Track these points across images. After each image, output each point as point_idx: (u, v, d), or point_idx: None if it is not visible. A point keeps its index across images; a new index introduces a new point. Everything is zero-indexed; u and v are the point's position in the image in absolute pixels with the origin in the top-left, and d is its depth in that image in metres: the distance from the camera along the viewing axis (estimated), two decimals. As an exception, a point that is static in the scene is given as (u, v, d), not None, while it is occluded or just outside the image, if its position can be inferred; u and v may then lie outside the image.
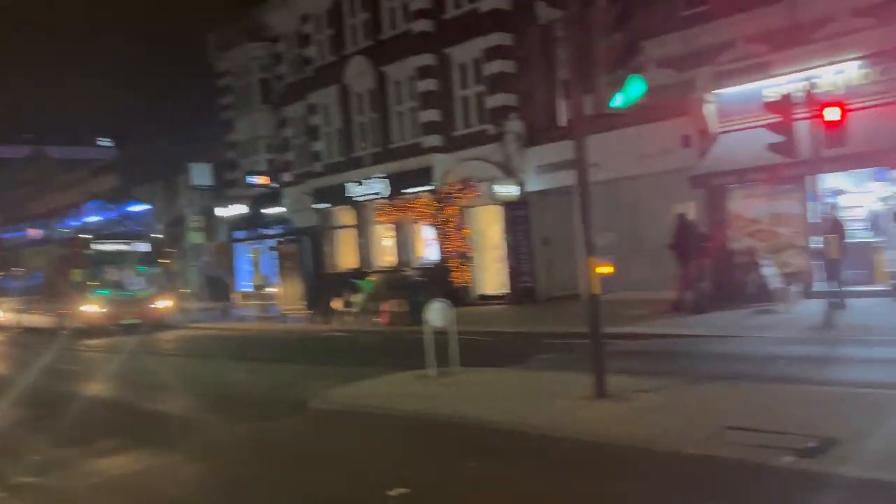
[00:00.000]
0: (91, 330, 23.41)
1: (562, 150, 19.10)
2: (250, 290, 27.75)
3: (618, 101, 7.29)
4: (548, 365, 10.74)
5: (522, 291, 20.82)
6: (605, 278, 8.90)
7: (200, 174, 32.44)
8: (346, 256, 26.91)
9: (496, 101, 20.98)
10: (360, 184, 24.61)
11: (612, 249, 18.27)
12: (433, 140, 22.57)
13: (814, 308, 13.16)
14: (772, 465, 5.25)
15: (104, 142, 62.66)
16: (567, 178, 19.18)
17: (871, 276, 14.78)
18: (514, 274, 21.09)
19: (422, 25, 22.43)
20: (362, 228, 25.71)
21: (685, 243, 15.01)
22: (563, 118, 7.74)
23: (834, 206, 14.40)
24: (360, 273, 23.16)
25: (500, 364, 10.70)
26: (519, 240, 20.89)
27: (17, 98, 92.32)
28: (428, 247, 23.71)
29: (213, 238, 32.04)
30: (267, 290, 26.22)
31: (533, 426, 6.99)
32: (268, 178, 29.37)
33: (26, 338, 26.11)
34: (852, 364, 9.42)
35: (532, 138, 20.32)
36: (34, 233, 29.63)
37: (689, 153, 16.97)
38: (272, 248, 27.81)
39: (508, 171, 20.90)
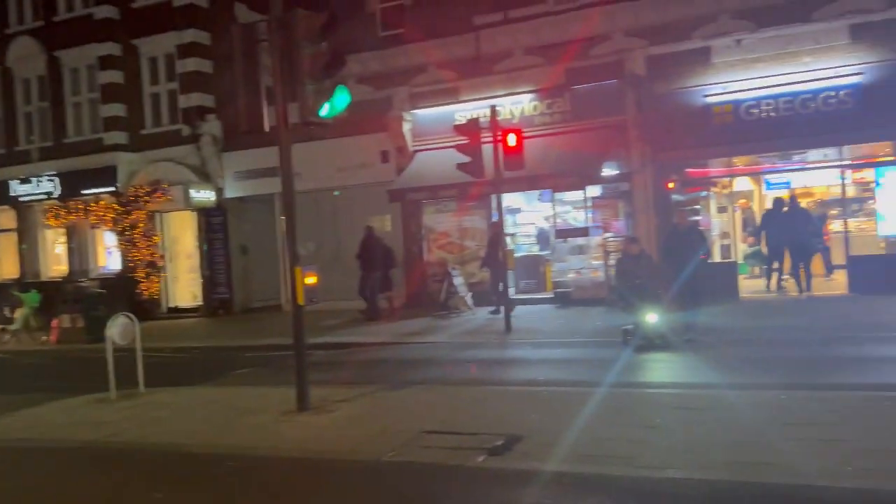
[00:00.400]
0: None
1: (262, 156, 18.64)
2: None
3: (324, 110, 7.22)
4: (245, 380, 10.28)
5: (218, 303, 19.84)
6: (309, 289, 8.78)
7: None
8: (5, 265, 23.26)
9: (191, 100, 19.80)
10: (27, 181, 21.48)
11: (313, 259, 18.33)
12: (117, 137, 20.53)
13: (491, 314, 14.48)
14: (466, 466, 5.52)
15: None
16: (267, 185, 18.99)
17: (542, 285, 16.69)
18: (209, 285, 20.01)
19: (105, 11, 20.31)
20: (26, 233, 22.43)
21: (370, 255, 15.64)
22: (265, 123, 7.42)
23: (496, 223, 15.82)
24: (22, 284, 20.17)
25: (192, 382, 9.99)
26: (215, 248, 19.88)
27: None
28: (109, 255, 21.48)
29: None
30: None
31: (230, 447, 6.57)
32: None
33: None
34: (528, 365, 10.47)
35: (231, 142, 19.50)
36: None
37: (387, 168, 17.62)
38: None
39: (204, 176, 19.82)
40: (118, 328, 8.94)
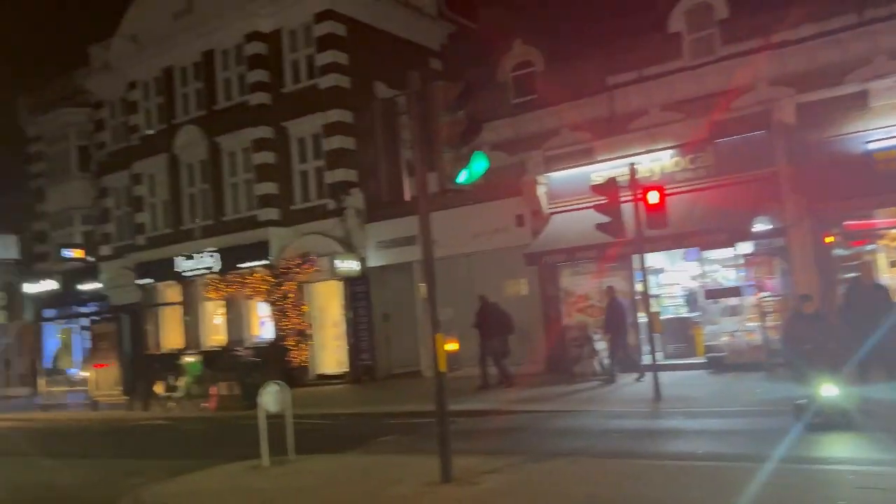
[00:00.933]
0: None
1: (402, 225, 19.31)
2: (57, 374, 24.99)
3: (462, 177, 7.26)
4: (389, 448, 10.27)
5: (362, 369, 20.27)
6: (450, 355, 8.71)
7: (5, 246, 29.28)
8: (171, 336, 25.05)
9: (336, 176, 20.84)
10: (190, 258, 23.24)
11: (451, 325, 18.39)
12: (269, 213, 21.87)
13: (642, 382, 13.75)
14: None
15: None
16: (407, 253, 19.45)
17: (692, 349, 15.77)
18: (354, 351, 20.53)
19: (259, 98, 22.00)
20: (190, 305, 24.13)
21: (486, 322, 15.63)
22: (405, 193, 7.58)
23: (611, 288, 15.19)
24: (186, 354, 21.56)
25: (339, 449, 10.09)
26: (359, 316, 20.46)
27: None
28: (263, 324, 22.62)
29: (19, 317, 28.72)
30: (78, 374, 23.70)
31: (376, 519, 6.48)
32: (83, 252, 27.04)
33: None
34: (683, 436, 9.77)
35: (373, 214, 20.25)
36: None
37: (522, 232, 17.56)
38: (84, 328, 25.34)
39: (348, 247, 20.61)
40: (271, 396, 9.22)
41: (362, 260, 20.56)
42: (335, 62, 20.97)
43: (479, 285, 19.33)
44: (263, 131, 21.98)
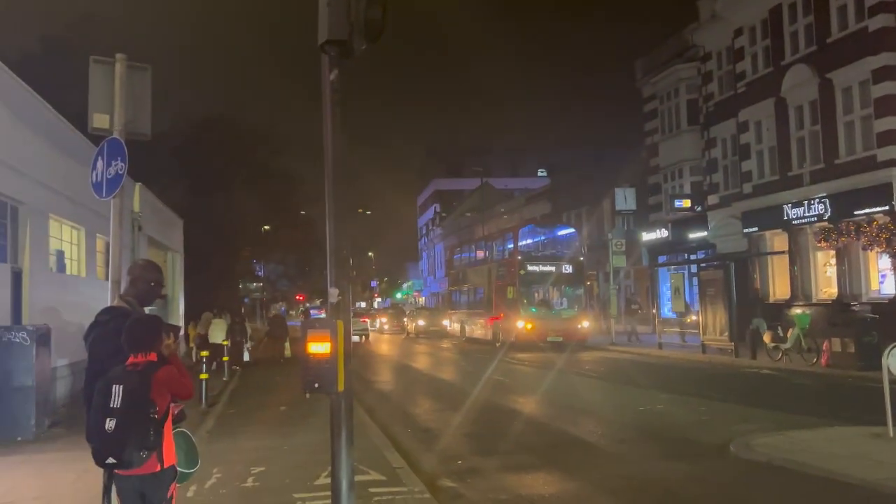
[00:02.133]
0: (521, 344, 25.31)
1: None
2: (672, 316, 27.02)
3: None
4: None
5: None
6: None
7: (624, 199, 32.93)
8: (777, 286, 24.44)
9: None
10: (799, 205, 22.09)
11: None
12: (892, 152, 19.09)
13: None
14: None
15: (541, 173, 68.48)
16: None
17: None
18: None
19: (880, 21, 19.21)
20: (797, 255, 23.02)
21: None
22: None
23: None
24: (793, 305, 20.71)
25: None
26: None
27: (469, 140, 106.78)
28: (883, 279, 20.10)
29: (636, 262, 32.11)
30: (689, 318, 25.19)
31: None
32: (691, 202, 28.36)
33: (468, 346, 29.41)
34: None
35: None
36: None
37: None
38: (694, 275, 26.65)
39: None
40: (896, 358, 8.08)
41: None
42: None
43: None
44: (886, 59, 19.15)
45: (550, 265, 27.30)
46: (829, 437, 8.30)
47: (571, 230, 30.63)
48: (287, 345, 24.17)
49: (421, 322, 40.34)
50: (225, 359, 19.08)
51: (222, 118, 43.08)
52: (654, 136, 31.71)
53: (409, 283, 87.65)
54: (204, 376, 13.22)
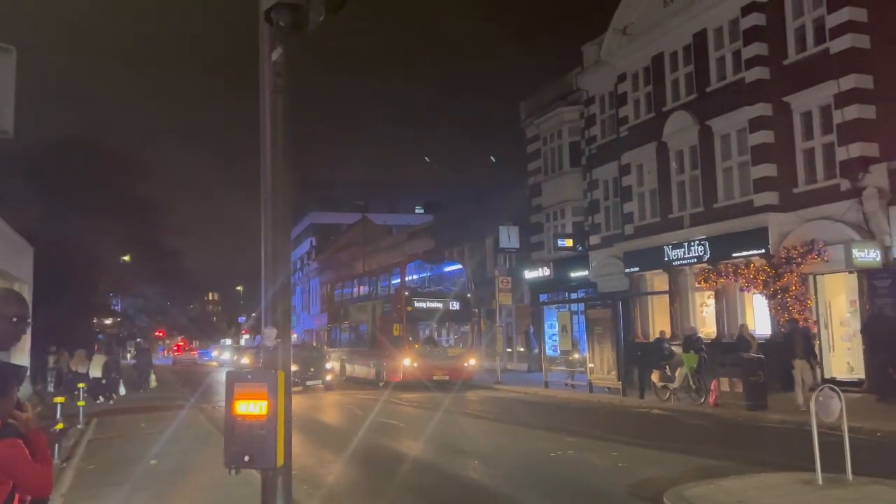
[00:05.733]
0: (407, 383, 24.40)
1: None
2: (556, 354, 27.00)
3: None
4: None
5: (889, 383, 17.05)
6: None
7: (508, 237, 33.03)
8: (657, 324, 24.97)
9: (851, 151, 18.02)
10: (679, 246, 22.77)
11: None
12: (767, 198, 20.04)
13: None
14: None
15: (419, 210, 68.47)
16: (954, 242, 15.81)
17: None
18: (873, 358, 17.45)
19: (756, 74, 20.29)
20: (676, 295, 23.68)
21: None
22: None
23: None
24: (673, 344, 21.12)
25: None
26: (884, 316, 17.33)
27: (349, 175, 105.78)
28: (759, 318, 20.91)
29: (518, 300, 32.14)
30: (575, 356, 25.23)
31: None
32: (572, 241, 28.80)
33: (350, 386, 28.08)
34: None
35: (901, 194, 17.01)
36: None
37: None
38: (576, 313, 26.88)
39: (866, 233, 17.66)
40: (824, 401, 7.93)
41: (886, 249, 17.39)
42: (851, 20, 18.10)
43: None
44: (761, 109, 20.21)
45: (438, 301, 26.72)
46: (761, 485, 8.00)
47: (459, 266, 30.24)
48: (153, 376, 28.57)
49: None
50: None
51: (84, 140, 39.95)
52: (537, 176, 32.14)
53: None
54: (59, 426, 11.43)
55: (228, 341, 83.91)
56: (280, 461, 3.18)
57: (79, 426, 15.86)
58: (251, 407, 3.18)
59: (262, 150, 3.46)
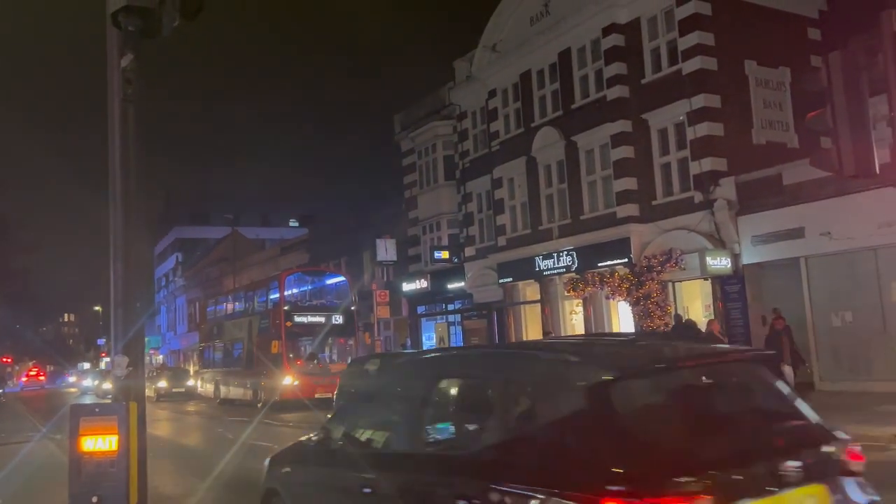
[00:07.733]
0: (286, 403, 23.66)
1: (784, 217, 17.29)
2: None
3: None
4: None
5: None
6: None
7: (385, 250, 32.92)
8: (531, 333, 25.68)
9: (702, 165, 19.34)
10: (549, 257, 23.53)
11: (850, 331, 15.86)
12: (629, 210, 21.12)
13: None
14: None
15: (293, 223, 67.08)
16: (791, 248, 17.27)
17: None
18: (727, 357, 18.75)
19: (617, 92, 21.37)
20: (548, 304, 24.45)
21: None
22: (873, 166, 6.14)
23: None
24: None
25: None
26: (732, 318, 18.67)
27: (216, 186, 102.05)
28: (624, 325, 21.95)
29: (396, 312, 32.08)
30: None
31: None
32: (448, 254, 29.14)
33: (223, 408, 26.92)
34: None
35: (746, 205, 18.40)
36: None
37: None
38: (453, 324, 27.21)
39: (718, 242, 18.96)
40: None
41: (735, 257, 18.75)
42: (700, 44, 19.47)
43: (885, 285, 16.47)
44: (622, 125, 21.31)
45: (320, 315, 26.09)
46: None
47: (342, 278, 29.69)
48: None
49: (162, 384, 36.23)
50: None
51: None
52: (413, 189, 32.30)
53: (146, 340, 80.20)
54: None
55: (87, 365, 78.65)
56: (133, 501, 2.93)
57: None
58: (100, 443, 2.91)
59: (112, 163, 3.20)
